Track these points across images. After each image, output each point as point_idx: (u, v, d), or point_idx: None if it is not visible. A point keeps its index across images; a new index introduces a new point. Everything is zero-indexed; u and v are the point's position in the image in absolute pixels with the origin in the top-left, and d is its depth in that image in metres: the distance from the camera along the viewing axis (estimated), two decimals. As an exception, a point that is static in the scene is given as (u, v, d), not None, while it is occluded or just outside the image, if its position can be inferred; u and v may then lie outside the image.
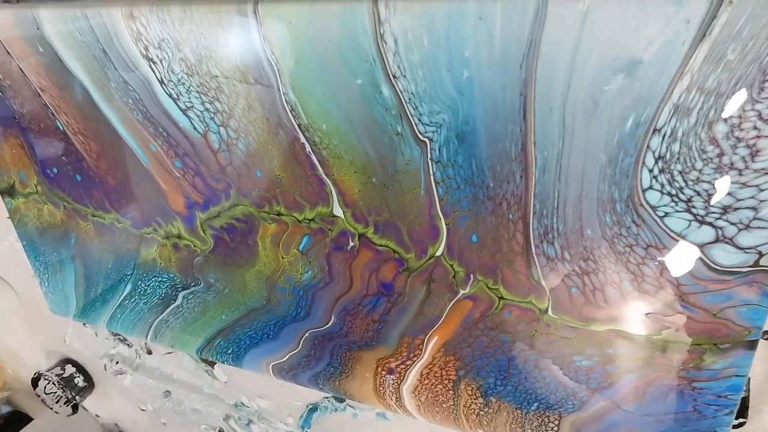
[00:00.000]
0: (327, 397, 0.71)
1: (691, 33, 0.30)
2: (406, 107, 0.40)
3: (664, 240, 0.37)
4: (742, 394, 0.47)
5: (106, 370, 0.92)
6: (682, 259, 0.36)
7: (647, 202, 0.36)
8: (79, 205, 0.62)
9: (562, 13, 0.32)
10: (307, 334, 0.56)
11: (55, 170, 0.60)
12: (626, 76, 0.33)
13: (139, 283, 0.64)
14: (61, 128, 0.56)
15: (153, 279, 0.62)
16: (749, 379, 0.46)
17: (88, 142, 0.56)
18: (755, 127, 0.31)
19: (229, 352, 0.62)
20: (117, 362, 0.89)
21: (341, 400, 0.70)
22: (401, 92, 0.39)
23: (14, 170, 0.64)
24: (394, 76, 0.39)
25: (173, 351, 0.82)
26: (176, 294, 0.62)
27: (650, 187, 0.35)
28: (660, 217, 0.36)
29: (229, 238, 0.54)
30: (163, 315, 0.65)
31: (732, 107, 0.31)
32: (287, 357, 0.59)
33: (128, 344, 0.87)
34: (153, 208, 0.57)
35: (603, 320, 0.41)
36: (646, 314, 0.40)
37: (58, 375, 0.96)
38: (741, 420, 0.49)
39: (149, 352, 0.86)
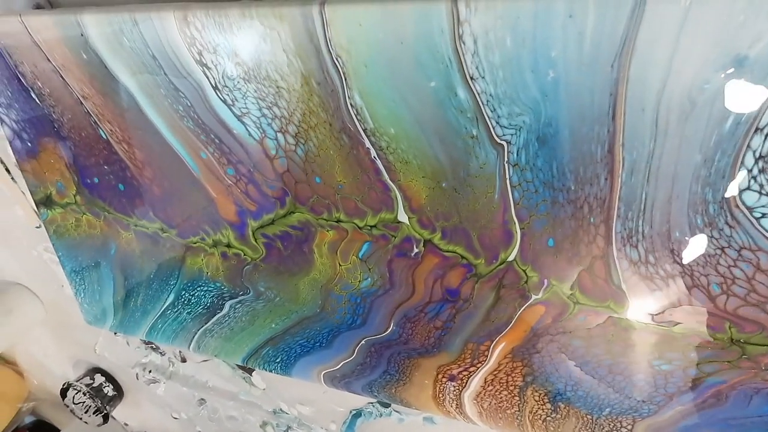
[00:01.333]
0: (372, 402, 0.70)
1: (804, 28, 0.29)
2: (483, 109, 0.38)
3: (760, 242, 0.35)
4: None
5: (137, 379, 0.91)
6: (778, 260, 0.35)
7: (743, 203, 0.35)
8: (121, 215, 0.60)
9: (662, 9, 0.31)
10: (362, 342, 0.55)
11: (95, 180, 0.59)
12: (729, 73, 0.31)
13: (183, 292, 0.62)
14: (104, 137, 0.55)
15: (198, 288, 0.61)
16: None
17: (132, 150, 0.54)
18: None
19: (277, 360, 0.61)
20: (150, 371, 0.88)
21: (386, 405, 0.69)
22: (479, 94, 0.38)
23: (51, 180, 0.62)
24: (471, 78, 0.37)
25: (209, 358, 0.81)
26: (223, 303, 0.61)
27: (748, 188, 0.34)
28: (757, 219, 0.35)
29: (282, 246, 0.53)
30: (207, 325, 0.63)
31: None
32: (340, 365, 0.57)
33: (161, 352, 0.86)
34: (201, 217, 0.55)
35: (687, 324, 0.40)
36: (734, 317, 0.39)
37: (87, 385, 0.94)
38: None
39: (183, 360, 0.84)
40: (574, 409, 0.48)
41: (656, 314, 0.41)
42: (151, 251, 0.61)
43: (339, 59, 0.41)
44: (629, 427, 0.47)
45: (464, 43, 0.36)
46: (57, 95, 0.55)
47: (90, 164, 0.58)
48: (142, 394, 0.95)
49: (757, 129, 0.32)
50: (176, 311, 0.65)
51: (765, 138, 0.32)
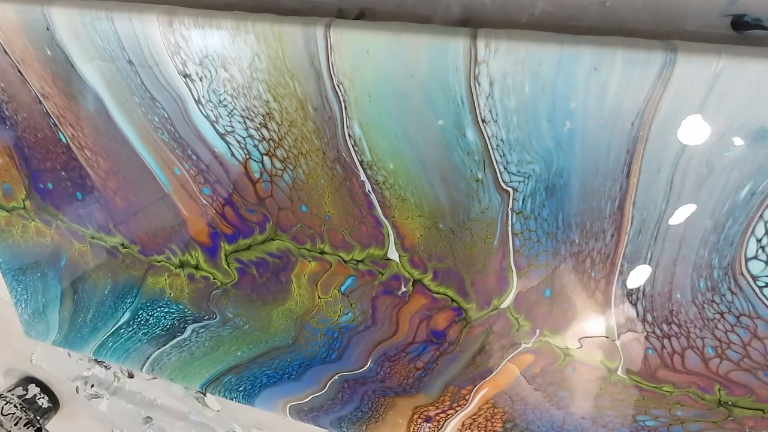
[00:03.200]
0: (334, 431, 0.68)
1: (831, 107, 0.29)
2: (492, 154, 0.36)
3: (760, 310, 0.35)
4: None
5: (78, 393, 0.84)
6: (775, 329, 0.35)
7: (749, 272, 0.34)
8: (76, 225, 0.55)
9: (691, 72, 0.30)
10: (336, 377, 0.52)
11: (50, 185, 0.54)
12: (751, 143, 0.31)
13: (141, 312, 0.58)
14: (65, 141, 0.50)
15: (158, 309, 0.57)
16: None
17: (96, 158, 0.50)
18: None
19: (240, 389, 0.57)
20: (92, 385, 0.82)
21: None
22: (489, 138, 0.36)
23: (-3, 181, 0.56)
24: (483, 121, 0.35)
25: (158, 376, 0.76)
26: (184, 326, 0.56)
27: (755, 257, 0.34)
28: (760, 288, 0.35)
29: (257, 272, 0.49)
30: (165, 347, 0.59)
31: None
32: (309, 398, 0.54)
33: (106, 366, 0.80)
34: (168, 236, 0.51)
35: (678, 383, 0.40)
36: (725, 380, 0.38)
37: (19, 396, 0.87)
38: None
39: (130, 376, 0.79)
40: (553, 459, 0.47)
41: (646, 372, 0.40)
42: (108, 266, 0.56)
43: (341, 86, 0.38)
44: (607, 479, 0.46)
45: (479, 84, 0.34)
46: (12, 91, 0.49)
47: (45, 168, 0.53)
48: (82, 407, 0.88)
49: (771, 201, 0.32)
50: (131, 330, 0.60)
51: (778, 210, 0.32)
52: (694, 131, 0.32)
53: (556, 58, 0.32)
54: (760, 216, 0.33)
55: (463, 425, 0.49)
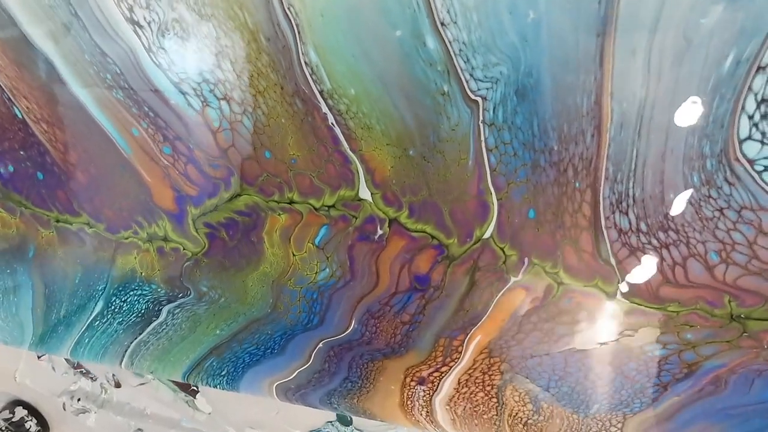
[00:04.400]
0: (330, 422, 0.63)
1: (809, -53, 0.26)
2: (455, 60, 0.34)
3: (762, 200, 0.32)
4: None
5: (65, 409, 0.80)
6: (781, 220, 0.32)
7: (744, 156, 0.31)
8: (40, 210, 0.52)
9: (654, -67, 0.28)
10: (320, 345, 0.48)
11: (10, 168, 0.51)
12: (728, 4, 0.28)
13: (114, 299, 0.55)
14: (20, 116, 0.48)
15: (131, 293, 0.53)
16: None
17: (53, 130, 0.47)
18: None
19: (223, 374, 0.54)
20: (78, 399, 0.78)
21: (347, 423, 0.62)
22: (450, 43, 0.34)
23: (-43, 172, 0.54)
24: (442, 24, 0.33)
25: (147, 381, 0.72)
26: (159, 309, 0.53)
27: (749, 137, 0.31)
28: (758, 172, 0.32)
29: (228, 235, 0.46)
30: (142, 335, 0.55)
31: None
32: (295, 374, 0.51)
33: (92, 377, 0.76)
34: (133, 207, 0.48)
35: (683, 301, 0.36)
36: (734, 289, 0.35)
37: (6, 419, 0.83)
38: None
39: (117, 385, 0.75)
40: (559, 409, 0.43)
41: (648, 292, 0.37)
42: (76, 252, 0.53)
43: (291, 8, 0.36)
44: (619, 424, 0.42)
45: (433, -17, 0.32)
46: (-37, 68, 0.48)
47: (3, 150, 0.51)
48: (71, 426, 0.84)
49: (759, 68, 0.29)
50: (105, 322, 0.56)
51: None
52: (666, 1, 0.29)
53: (510, -61, 0.30)
54: (749, 88, 0.30)
55: (459, 383, 0.45)
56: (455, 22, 0.33)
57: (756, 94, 0.30)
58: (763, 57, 0.29)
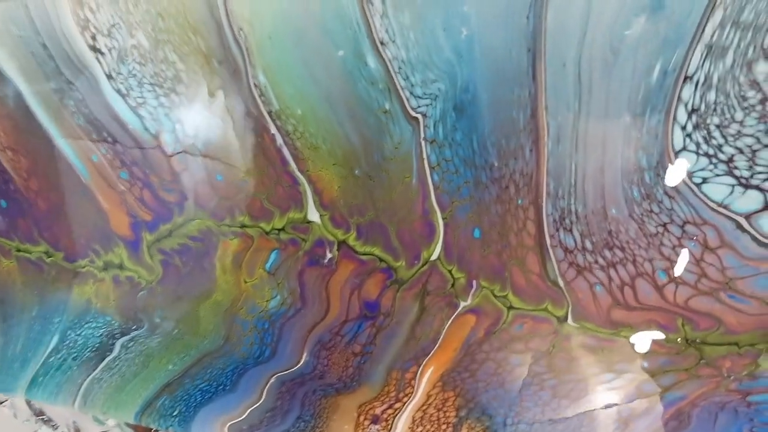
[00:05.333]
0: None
1: (721, -41, 0.27)
2: (395, 79, 0.35)
3: (703, 213, 0.31)
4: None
5: (23, 461, 0.76)
6: (725, 234, 0.31)
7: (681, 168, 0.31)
8: (2, 239, 0.52)
9: (573, -51, 0.29)
10: (272, 380, 0.46)
11: (-25, 197, 0.52)
12: (650, 16, 0.29)
13: (69, 332, 0.53)
14: (-13, 143, 0.49)
15: (86, 326, 0.52)
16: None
17: (18, 158, 0.48)
18: (802, 63, 0.28)
19: (175, 414, 0.51)
20: (37, 450, 0.74)
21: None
22: (390, 61, 0.34)
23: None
24: (381, 43, 0.34)
25: (107, 429, 0.69)
26: (113, 343, 0.52)
27: (684, 148, 0.31)
28: (697, 185, 0.31)
29: (181, 262, 0.46)
30: (95, 372, 0.53)
31: (773, 41, 0.28)
32: (247, 413, 0.48)
33: (53, 425, 0.73)
34: (91, 234, 0.48)
35: (636, 325, 0.35)
36: (686, 310, 0.33)
37: (-39, 473, 0.79)
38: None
39: (78, 434, 0.72)
40: (518, 450, 0.40)
41: (599, 315, 0.35)
42: (35, 282, 0.53)
43: (241, 32, 0.37)
44: (582, 468, 0.39)
45: (372, 4, 0.33)
46: (-62, 98, 0.49)
47: (-31, 178, 0.51)
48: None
49: (686, 77, 0.29)
50: (60, 357, 0.55)
51: (696, 87, 0.29)
52: (591, 14, 0.30)
53: (440, -41, 0.31)
54: (679, 97, 0.30)
55: (413, 421, 0.43)
56: (394, 41, 0.34)
57: (686, 104, 0.30)
58: (689, 66, 0.29)
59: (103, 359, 0.53)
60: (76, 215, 0.48)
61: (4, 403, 0.76)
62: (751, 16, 0.28)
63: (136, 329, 0.50)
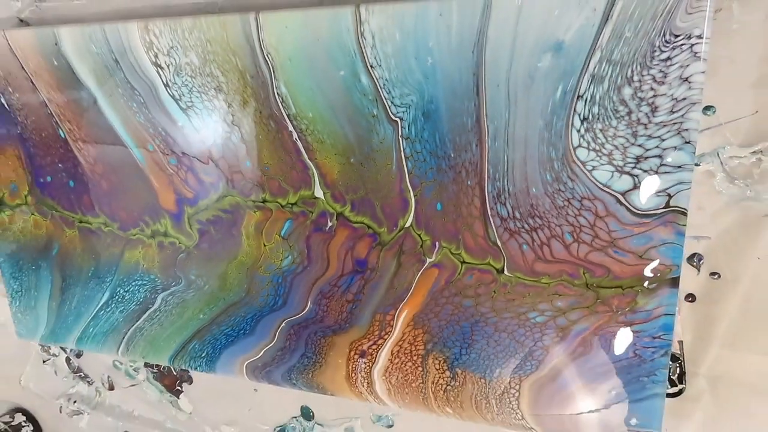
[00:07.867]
0: (295, 417, 0.72)
1: (598, 18, 0.41)
2: (381, 92, 0.48)
3: (594, 191, 0.45)
4: (677, 362, 0.53)
5: (61, 411, 0.89)
6: (609, 207, 0.44)
7: (578, 159, 0.44)
8: (68, 212, 0.65)
9: (502, 6, 0.42)
10: (283, 324, 0.59)
11: (48, 178, 0.65)
12: (553, 54, 0.42)
13: (118, 289, 0.66)
14: (63, 135, 0.62)
15: (133, 283, 0.65)
16: (682, 343, 0.53)
17: (87, 147, 0.61)
18: (651, 88, 0.41)
19: (203, 355, 0.64)
20: (74, 402, 0.87)
21: (309, 418, 0.71)
22: (377, 79, 0.48)
23: (5, 182, 0.67)
24: (371, 66, 0.47)
25: (137, 383, 0.82)
26: (155, 297, 0.64)
27: (579, 145, 0.44)
28: (589, 171, 0.44)
29: (214, 230, 0.59)
30: (138, 322, 0.66)
31: (632, 73, 0.41)
32: (262, 353, 0.61)
33: (89, 381, 0.86)
34: (142, 208, 0.61)
35: (552, 274, 0.48)
36: (586, 263, 0.46)
37: (6, 423, 0.91)
38: (680, 387, 0.54)
39: (111, 388, 0.84)
40: (470, 374, 0.53)
41: (525, 267, 0.48)
42: (92, 248, 0.66)
43: (269, 55, 0.50)
44: (517, 386, 0.52)
45: (365, 38, 0.47)
46: (25, 100, 0.62)
47: (45, 163, 0.64)
48: (64, 430, 0.92)
49: (578, 96, 0.43)
50: (109, 311, 0.67)
51: (585, 103, 0.43)
52: (515, 51, 0.43)
53: (413, 11, 0.45)
54: (574, 110, 0.43)
55: (392, 354, 0.56)
56: (380, 65, 0.47)
57: (579, 114, 0.43)
58: (581, 88, 0.42)
59: (146, 311, 0.65)
60: (131, 193, 0.61)
61: (46, 362, 0.89)
62: (618, 56, 0.41)
63: (174, 285, 0.63)
